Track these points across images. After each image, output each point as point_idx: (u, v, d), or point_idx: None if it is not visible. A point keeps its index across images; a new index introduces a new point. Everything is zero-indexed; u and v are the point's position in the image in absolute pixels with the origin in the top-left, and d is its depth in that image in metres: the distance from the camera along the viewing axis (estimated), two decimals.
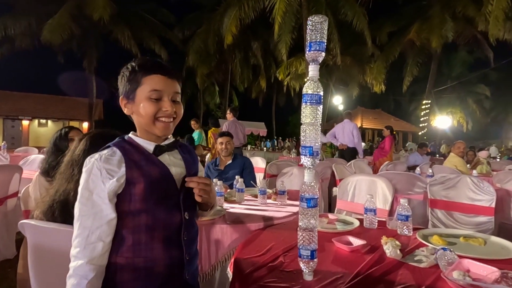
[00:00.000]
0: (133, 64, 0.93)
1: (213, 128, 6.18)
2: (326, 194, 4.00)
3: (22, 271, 1.38)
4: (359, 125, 18.94)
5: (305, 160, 0.93)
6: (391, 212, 2.29)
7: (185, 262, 0.95)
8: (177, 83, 0.96)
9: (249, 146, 15.51)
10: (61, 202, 1.09)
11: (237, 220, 1.59)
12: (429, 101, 16.85)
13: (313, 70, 0.93)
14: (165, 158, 0.96)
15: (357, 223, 1.55)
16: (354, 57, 14.78)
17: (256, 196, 2.14)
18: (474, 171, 4.46)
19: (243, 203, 2.02)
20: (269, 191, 2.22)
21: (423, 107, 17.21)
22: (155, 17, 15.84)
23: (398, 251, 1.12)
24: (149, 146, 0.94)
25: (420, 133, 18.51)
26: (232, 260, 1.12)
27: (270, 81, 20.55)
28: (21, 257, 1.44)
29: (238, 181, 2.11)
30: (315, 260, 0.93)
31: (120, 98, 0.96)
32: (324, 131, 7.68)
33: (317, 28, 0.90)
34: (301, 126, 0.94)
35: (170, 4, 26.64)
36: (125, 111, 0.96)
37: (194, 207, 1.03)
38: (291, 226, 1.52)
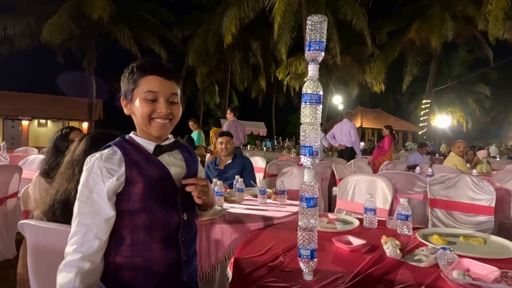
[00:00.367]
0: (134, 64, 0.94)
1: (214, 128, 6.19)
2: (326, 194, 4.00)
3: (22, 271, 1.38)
4: (358, 124, 18.95)
5: (305, 159, 0.93)
6: (391, 212, 2.29)
7: (182, 263, 0.95)
8: (174, 84, 0.95)
9: (249, 146, 15.50)
10: (62, 202, 1.09)
11: (237, 220, 1.59)
12: (429, 101, 16.86)
13: (312, 70, 0.93)
14: (165, 158, 0.96)
15: (357, 222, 1.54)
16: (354, 56, 14.78)
17: (256, 196, 2.14)
18: (474, 171, 4.46)
19: (243, 203, 2.02)
20: (269, 190, 2.22)
21: (423, 106, 17.21)
22: (154, 17, 15.83)
23: (398, 251, 1.12)
24: (149, 146, 0.95)
25: (420, 133, 18.51)
26: (232, 260, 1.12)
27: (270, 81, 20.56)
28: (21, 257, 1.44)
29: (238, 181, 2.11)
30: (315, 259, 0.93)
31: (121, 98, 0.97)
32: (324, 131, 7.69)
33: (316, 27, 0.90)
34: (301, 126, 0.94)
35: (170, 4, 26.66)
36: (125, 111, 0.97)
37: (193, 208, 1.03)
38: (291, 225, 1.52)
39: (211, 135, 6.16)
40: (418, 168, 4.51)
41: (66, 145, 1.68)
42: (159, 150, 0.95)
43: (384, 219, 1.60)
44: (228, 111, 5.75)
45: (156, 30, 15.65)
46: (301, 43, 10.82)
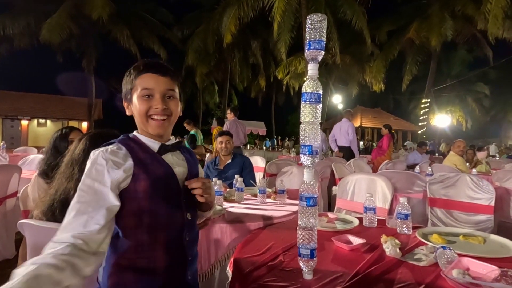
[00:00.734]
0: (132, 67, 0.96)
1: (218, 127, 6.21)
2: (325, 193, 4.00)
3: None
4: (358, 124, 18.96)
5: (305, 159, 0.93)
6: (390, 211, 2.29)
7: (187, 263, 0.95)
8: (170, 80, 0.95)
9: (248, 145, 15.51)
10: (62, 201, 1.09)
11: (236, 219, 1.58)
12: (429, 100, 16.86)
13: (312, 69, 0.93)
14: (169, 158, 0.97)
15: (356, 222, 1.54)
16: (353, 56, 14.78)
17: (255, 195, 2.14)
18: (474, 170, 4.46)
19: (242, 202, 2.02)
20: (269, 190, 2.22)
21: (423, 105, 17.21)
22: (154, 16, 15.82)
23: (398, 250, 1.12)
24: (154, 144, 0.95)
25: (419, 132, 18.52)
26: (232, 259, 1.12)
27: (269, 80, 20.55)
28: (20, 257, 1.44)
29: (238, 180, 2.11)
30: (314, 259, 0.93)
31: (123, 101, 0.99)
32: (324, 130, 7.69)
33: (316, 26, 0.90)
34: (301, 125, 0.94)
35: (169, 3, 26.56)
36: (127, 112, 0.99)
37: (195, 208, 1.03)
38: (290, 225, 1.52)
39: (214, 132, 6.19)
40: (417, 167, 4.51)
41: (65, 146, 1.66)
42: (164, 149, 0.95)
43: (383, 218, 1.60)
44: (228, 111, 5.75)
45: (155, 30, 15.64)
46: (300, 42, 10.82)
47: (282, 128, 27.15)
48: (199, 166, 1.11)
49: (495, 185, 3.12)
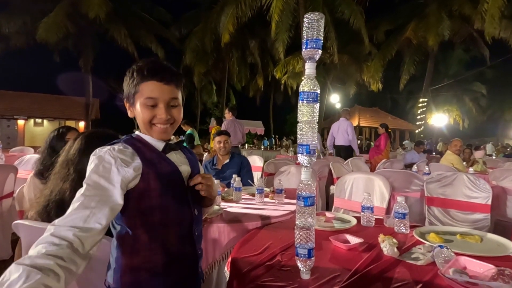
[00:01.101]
0: (134, 67, 0.94)
1: (216, 126, 6.21)
2: (323, 192, 4.00)
3: None
4: (356, 123, 19.00)
5: (302, 158, 0.93)
6: (388, 210, 2.29)
7: (198, 256, 1.00)
8: (174, 88, 0.95)
9: (246, 145, 15.50)
10: (57, 202, 1.08)
11: (234, 219, 1.58)
12: (426, 99, 16.92)
13: (309, 68, 0.92)
14: (173, 156, 0.99)
15: (354, 221, 1.54)
16: (351, 55, 14.80)
17: (253, 195, 2.13)
18: (471, 169, 4.48)
19: (240, 202, 2.02)
20: (267, 189, 2.22)
21: (420, 105, 17.27)
22: (151, 15, 15.75)
23: (395, 249, 1.12)
24: (159, 144, 0.96)
25: (417, 131, 18.59)
26: (230, 259, 1.12)
27: (267, 80, 20.53)
28: (16, 257, 1.43)
29: (236, 180, 2.10)
30: (312, 258, 0.93)
31: (124, 101, 0.99)
32: (322, 130, 7.69)
33: (313, 25, 0.89)
34: (298, 124, 0.94)
35: (167, 2, 26.40)
36: (129, 113, 0.99)
37: (200, 203, 1.06)
38: (288, 224, 1.52)
39: (213, 131, 6.19)
40: (415, 166, 4.52)
41: (62, 146, 1.63)
42: (169, 148, 0.97)
43: (381, 217, 1.60)
44: (227, 111, 5.74)
45: (153, 29, 15.57)
46: (298, 42, 10.78)
47: (280, 127, 27.18)
48: (199, 164, 1.13)
49: (491, 184, 3.13)
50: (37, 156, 2.31)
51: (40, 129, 18.02)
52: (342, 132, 6.07)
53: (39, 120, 18.20)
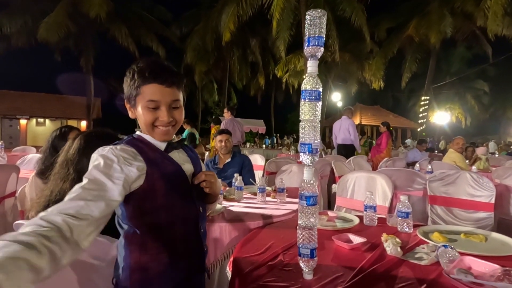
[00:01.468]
0: (134, 68, 0.92)
1: (216, 126, 6.22)
2: (325, 191, 3.99)
3: None
4: (358, 121, 18.94)
5: (305, 157, 0.92)
6: (390, 209, 2.28)
7: (204, 253, 1.03)
8: (176, 90, 0.94)
9: (248, 144, 15.50)
10: (57, 202, 1.06)
11: (236, 218, 1.57)
12: (428, 97, 16.86)
13: (311, 66, 0.91)
14: (176, 156, 1.00)
15: (357, 220, 1.53)
16: (352, 53, 14.75)
17: (255, 194, 2.13)
18: (473, 167, 4.46)
19: (242, 201, 2.01)
20: (268, 188, 2.21)
21: (422, 103, 17.21)
22: (152, 14, 15.76)
23: (399, 249, 1.11)
24: (160, 143, 0.97)
25: (419, 129, 18.54)
26: (231, 259, 1.11)
27: (268, 78, 20.51)
28: None
29: (237, 179, 2.10)
30: (315, 258, 0.92)
31: (125, 101, 0.98)
32: (323, 129, 7.68)
33: (315, 22, 0.88)
34: (300, 123, 0.92)
35: (167, 1, 26.46)
36: (130, 114, 0.98)
37: (204, 201, 1.07)
38: (290, 224, 1.51)
39: (212, 131, 6.20)
40: (417, 165, 4.50)
41: (64, 145, 1.65)
42: (171, 147, 0.98)
43: (384, 216, 1.59)
44: (225, 110, 5.74)
45: (153, 28, 15.59)
46: (299, 40, 10.79)
47: (282, 126, 27.11)
48: (201, 162, 1.13)
49: (495, 182, 3.11)
50: (39, 155, 2.31)
51: (42, 128, 18.09)
52: (344, 131, 6.05)
53: (41, 120, 18.29)
